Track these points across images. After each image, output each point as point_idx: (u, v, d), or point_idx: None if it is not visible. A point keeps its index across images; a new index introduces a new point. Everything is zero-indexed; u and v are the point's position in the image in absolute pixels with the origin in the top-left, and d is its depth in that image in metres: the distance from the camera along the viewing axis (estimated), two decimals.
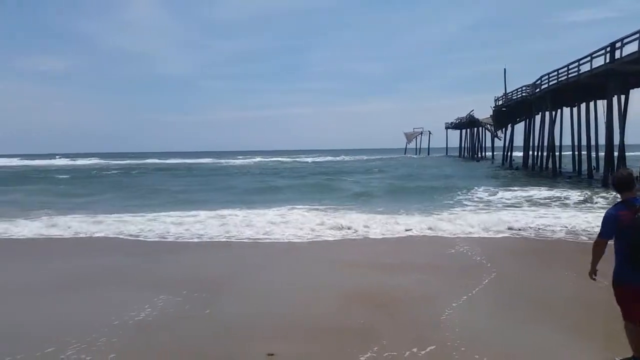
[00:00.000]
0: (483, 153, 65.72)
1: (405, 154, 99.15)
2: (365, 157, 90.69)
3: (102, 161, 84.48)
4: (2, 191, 26.32)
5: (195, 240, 11.59)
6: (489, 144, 62.31)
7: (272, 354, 4.99)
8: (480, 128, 64.79)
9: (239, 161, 78.45)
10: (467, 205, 18.06)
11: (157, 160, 78.88)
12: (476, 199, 19.80)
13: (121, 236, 12.13)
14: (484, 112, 61.91)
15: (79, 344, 5.29)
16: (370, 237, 11.61)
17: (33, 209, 17.10)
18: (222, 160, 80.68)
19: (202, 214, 15.01)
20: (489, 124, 56.75)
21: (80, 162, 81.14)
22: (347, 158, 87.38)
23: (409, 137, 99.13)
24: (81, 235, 12.34)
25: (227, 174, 43.13)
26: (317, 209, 16.30)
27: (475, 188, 23.64)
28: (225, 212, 15.47)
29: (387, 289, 7.32)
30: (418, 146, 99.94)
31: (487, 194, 21.49)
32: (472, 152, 70.07)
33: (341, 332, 5.57)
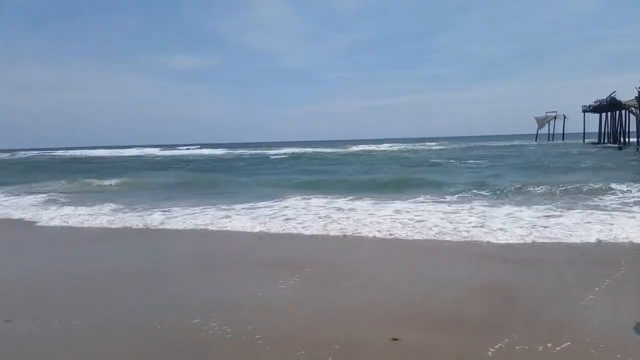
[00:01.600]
0: (626, 139, 59.51)
1: (536, 140, 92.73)
2: (495, 144, 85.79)
3: (239, 151, 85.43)
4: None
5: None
6: (633, 128, 56.21)
7: (396, 339, 5.08)
8: (624, 111, 58.78)
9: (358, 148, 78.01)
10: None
11: (296, 150, 78.87)
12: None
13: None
14: (627, 95, 55.97)
15: (220, 317, 5.82)
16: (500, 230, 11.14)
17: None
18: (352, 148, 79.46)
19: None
20: (634, 107, 51.33)
21: (218, 152, 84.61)
22: (477, 144, 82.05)
23: (541, 121, 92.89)
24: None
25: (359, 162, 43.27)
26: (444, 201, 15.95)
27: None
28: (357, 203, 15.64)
29: (516, 282, 7.06)
30: (551, 131, 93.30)
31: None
32: (613, 138, 63.84)
33: (467, 323, 5.51)
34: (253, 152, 76.10)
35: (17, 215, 15.19)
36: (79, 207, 15.99)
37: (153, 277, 7.92)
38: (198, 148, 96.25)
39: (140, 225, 12.55)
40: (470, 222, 11.48)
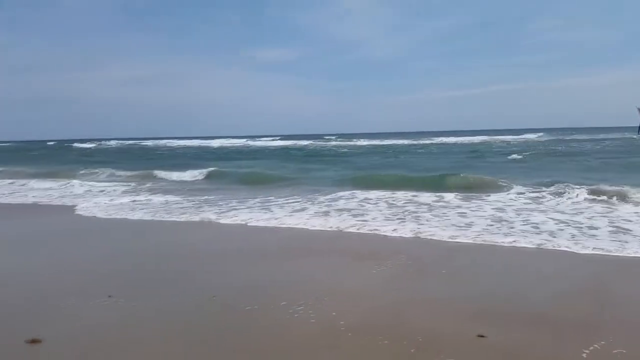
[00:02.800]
0: None
1: (639, 133, 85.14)
2: (595, 136, 79.59)
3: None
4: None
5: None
6: None
7: (482, 336, 4.98)
8: None
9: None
10: None
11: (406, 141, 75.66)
12: None
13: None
14: None
15: (305, 302, 5.99)
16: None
17: None
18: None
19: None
20: None
21: (302, 143, 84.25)
22: (577, 137, 75.59)
23: None
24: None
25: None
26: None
27: None
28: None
29: (614, 285, 6.67)
30: None
31: None
32: None
33: (558, 323, 5.30)
34: (341, 143, 76.13)
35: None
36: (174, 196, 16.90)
37: (240, 262, 8.28)
38: (279, 139, 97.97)
39: (229, 222, 13.06)
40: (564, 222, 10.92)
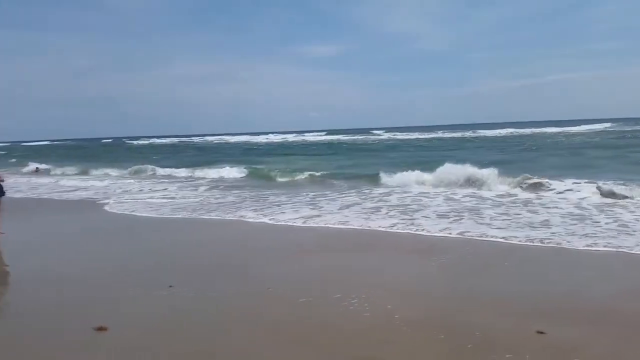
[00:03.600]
0: None
1: None
2: None
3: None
4: None
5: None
6: None
7: (542, 332, 4.85)
8: None
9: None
10: None
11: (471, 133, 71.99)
12: None
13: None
14: None
15: (360, 295, 6.02)
16: None
17: None
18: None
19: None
20: None
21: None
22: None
23: None
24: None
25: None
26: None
27: None
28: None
29: None
30: None
31: None
32: None
33: (620, 321, 5.12)
34: (392, 136, 75.04)
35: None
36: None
37: (292, 257, 8.42)
38: (325, 134, 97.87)
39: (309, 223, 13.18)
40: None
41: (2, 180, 11.13)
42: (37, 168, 32.57)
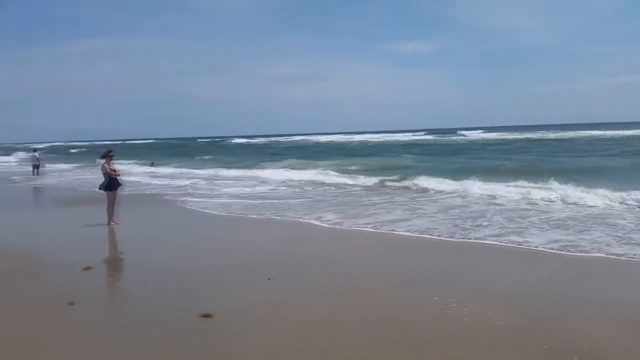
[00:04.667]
0: None
1: None
2: None
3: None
4: None
5: None
6: None
7: None
8: None
9: None
10: None
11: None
12: None
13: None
14: None
15: (457, 298, 5.89)
16: None
17: None
18: None
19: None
20: None
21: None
22: None
23: None
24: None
25: None
26: None
27: None
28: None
29: None
30: None
31: None
32: None
33: None
34: (485, 136, 71.46)
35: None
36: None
37: (386, 256, 8.43)
38: (425, 134, 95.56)
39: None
40: None
41: (119, 175, 12.13)
42: (152, 163, 35.09)
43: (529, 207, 12.49)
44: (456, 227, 10.17)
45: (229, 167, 28.92)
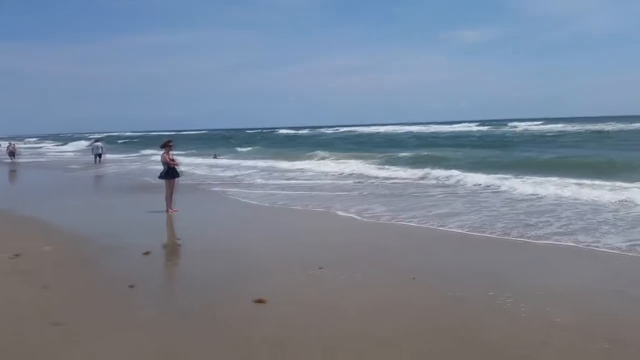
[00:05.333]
0: None
1: None
2: None
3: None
4: None
5: None
6: None
7: None
8: None
9: None
10: None
11: None
12: None
13: None
14: None
15: (515, 294, 5.73)
16: None
17: None
18: None
19: None
20: None
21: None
22: None
23: None
24: None
25: None
26: None
27: None
28: None
29: None
30: None
31: None
32: None
33: None
34: (545, 127, 67.65)
35: None
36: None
37: (441, 246, 8.31)
38: (478, 125, 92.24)
39: None
40: None
41: (178, 165, 12.53)
42: (215, 155, 36.06)
43: (585, 205, 11.65)
44: (513, 223, 9.73)
45: (291, 160, 29.20)
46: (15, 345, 4.59)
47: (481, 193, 14.00)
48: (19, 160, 35.62)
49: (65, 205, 14.17)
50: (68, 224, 10.79)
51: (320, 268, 6.90)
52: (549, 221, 9.79)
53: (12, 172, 28.25)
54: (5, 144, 44.77)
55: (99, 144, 31.17)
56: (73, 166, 30.50)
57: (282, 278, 6.63)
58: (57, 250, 8.34)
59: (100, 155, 30.39)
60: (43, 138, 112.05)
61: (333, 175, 21.09)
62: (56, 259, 7.81)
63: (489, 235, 8.94)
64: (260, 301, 5.60)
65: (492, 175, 16.82)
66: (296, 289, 6.16)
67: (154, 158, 32.40)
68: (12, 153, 36.50)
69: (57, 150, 62.98)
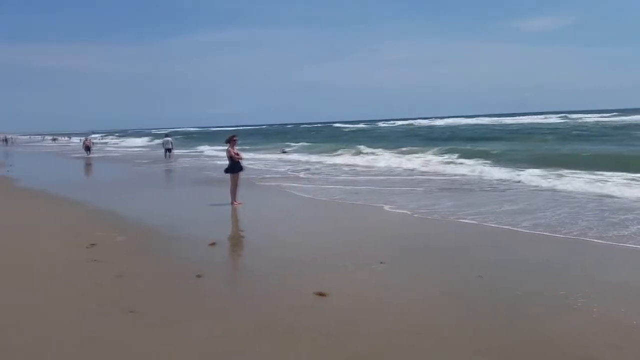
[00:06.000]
0: None
1: None
2: None
3: None
4: None
5: None
6: None
7: None
8: None
9: None
10: None
11: None
12: None
13: None
14: None
15: (588, 293, 5.53)
16: None
17: None
18: None
19: None
20: None
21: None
22: None
23: None
24: None
25: None
26: None
27: None
28: None
29: None
30: None
31: None
32: None
33: None
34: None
35: None
36: None
37: (510, 241, 8.06)
38: (545, 116, 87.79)
39: None
40: None
41: (241, 159, 12.86)
42: (283, 150, 36.76)
43: None
44: (594, 222, 9.19)
45: (349, 154, 29.31)
46: (93, 331, 4.88)
47: (554, 190, 13.38)
48: (93, 155, 37.57)
49: (136, 197, 14.90)
50: (139, 216, 11.34)
51: (381, 263, 6.89)
52: (633, 220, 9.18)
53: (88, 166, 29.92)
54: (76, 140, 47.56)
55: (169, 139, 32.28)
56: (143, 160, 31.91)
57: (343, 272, 6.67)
58: (129, 240, 8.78)
59: (170, 150, 31.56)
60: (106, 134, 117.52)
61: (394, 169, 20.91)
62: (129, 248, 8.23)
63: (563, 235, 8.41)
64: (321, 294, 5.67)
65: (566, 171, 16.18)
66: (357, 283, 6.18)
67: (209, 153, 33.63)
68: (87, 148, 38.58)
69: (124, 145, 65.76)
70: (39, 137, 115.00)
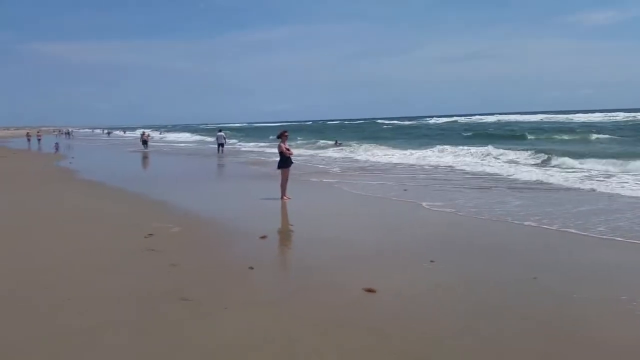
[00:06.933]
0: None
1: None
2: None
3: None
4: None
5: None
6: None
7: None
8: None
9: None
10: None
11: None
12: None
13: None
14: None
15: (632, 294, 5.29)
16: None
17: None
18: None
19: None
20: None
21: None
22: None
23: None
24: None
25: None
26: None
27: None
28: None
29: None
30: None
31: None
32: None
33: None
34: None
35: None
36: None
37: (565, 241, 7.78)
38: (604, 115, 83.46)
39: None
40: None
41: (292, 154, 12.99)
42: (336, 142, 37.06)
43: None
44: None
45: (398, 150, 29.07)
46: (148, 316, 5.08)
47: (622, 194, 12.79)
48: (149, 150, 38.83)
49: (190, 190, 15.33)
50: (193, 208, 11.66)
51: (431, 261, 6.80)
52: None
53: (145, 159, 30.99)
54: (132, 132, 49.30)
55: (221, 134, 32.94)
56: (196, 155, 32.74)
57: (392, 269, 6.64)
58: (184, 231, 9.05)
59: (222, 145, 32.20)
60: (156, 128, 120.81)
61: (445, 167, 20.52)
62: (183, 239, 8.49)
63: (623, 239, 7.97)
64: (370, 290, 5.66)
65: None
66: (406, 280, 6.12)
67: (255, 150, 34.17)
68: (145, 141, 39.91)
69: (179, 139, 67.25)
70: (98, 131, 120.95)
